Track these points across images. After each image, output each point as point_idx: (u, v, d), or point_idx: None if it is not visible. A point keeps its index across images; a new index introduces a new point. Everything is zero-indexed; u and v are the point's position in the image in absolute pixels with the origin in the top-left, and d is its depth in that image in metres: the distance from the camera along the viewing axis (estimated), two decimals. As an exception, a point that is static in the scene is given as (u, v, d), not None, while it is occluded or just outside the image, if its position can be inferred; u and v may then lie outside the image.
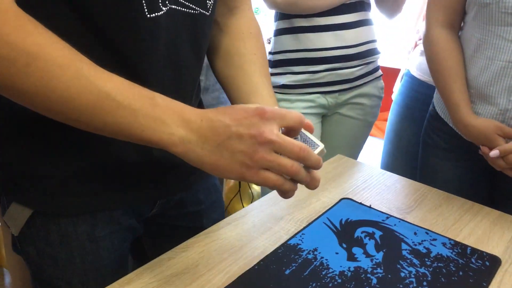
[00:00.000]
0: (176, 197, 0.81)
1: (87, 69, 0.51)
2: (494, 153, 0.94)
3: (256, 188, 2.22)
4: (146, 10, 0.59)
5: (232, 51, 0.78)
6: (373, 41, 1.31)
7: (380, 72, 1.38)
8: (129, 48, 0.61)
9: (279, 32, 1.27)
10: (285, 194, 0.59)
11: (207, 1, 0.69)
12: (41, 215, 0.68)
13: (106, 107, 0.51)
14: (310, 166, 0.56)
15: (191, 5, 0.66)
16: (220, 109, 0.55)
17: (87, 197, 0.69)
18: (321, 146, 0.58)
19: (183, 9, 0.65)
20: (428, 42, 1.08)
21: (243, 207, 0.84)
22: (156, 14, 0.61)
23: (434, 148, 1.19)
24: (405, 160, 1.48)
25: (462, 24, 1.08)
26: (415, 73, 1.42)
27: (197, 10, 0.68)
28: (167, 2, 0.62)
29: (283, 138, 0.53)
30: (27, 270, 1.39)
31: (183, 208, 0.83)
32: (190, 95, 0.74)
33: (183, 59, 0.69)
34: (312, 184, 0.60)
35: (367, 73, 1.32)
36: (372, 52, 1.30)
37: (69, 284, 0.72)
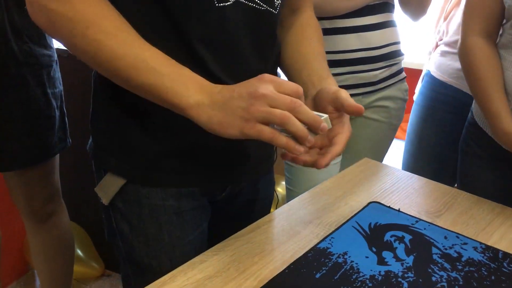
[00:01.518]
0: (243, 184, 0.88)
1: (131, 39, 0.63)
2: None
3: (280, 191, 2.22)
4: None
5: (291, 41, 0.82)
6: (397, 42, 1.30)
7: (404, 74, 1.37)
8: (194, 33, 0.68)
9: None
10: (290, 151, 0.61)
11: (275, 0, 0.73)
12: (133, 188, 0.77)
13: (141, 69, 0.62)
14: (303, 120, 0.59)
15: (258, 0, 0.71)
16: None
17: (174, 173, 0.78)
18: (325, 115, 0.62)
19: (250, 3, 0.70)
20: (465, 52, 1.06)
21: (270, 211, 0.85)
22: (224, 4, 0.67)
23: (472, 157, 1.17)
24: (426, 161, 1.47)
25: (500, 32, 1.06)
26: (435, 73, 1.41)
27: (264, 7, 0.72)
28: None
29: (276, 93, 0.59)
30: (55, 271, 1.42)
31: (242, 196, 0.90)
32: None
33: (242, 53, 0.73)
34: (319, 162, 0.66)
35: (391, 75, 1.31)
36: (396, 54, 1.29)
37: (158, 262, 0.80)
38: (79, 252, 1.85)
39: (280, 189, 2.24)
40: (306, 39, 0.83)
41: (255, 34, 0.73)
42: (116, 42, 0.62)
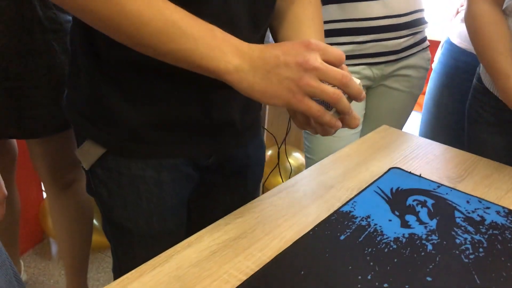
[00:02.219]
0: (230, 151, 0.87)
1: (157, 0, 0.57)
2: None
3: (292, 162, 2.23)
4: None
5: (290, 16, 0.78)
6: (421, 10, 1.28)
7: (427, 42, 1.35)
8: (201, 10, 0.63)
9: (324, 2, 1.25)
10: (326, 129, 0.61)
11: None
12: (113, 157, 0.76)
13: (171, 34, 0.57)
14: (351, 94, 0.59)
15: None
16: (270, 44, 0.60)
17: (154, 144, 0.76)
18: (358, 81, 0.61)
19: None
20: (471, 17, 1.05)
21: (283, 181, 0.86)
22: None
23: (480, 123, 1.17)
24: (443, 129, 1.46)
25: None
26: (456, 40, 1.39)
27: None
28: None
29: (327, 65, 0.57)
30: (74, 239, 1.45)
31: (232, 161, 0.89)
32: None
33: (238, 24, 0.69)
34: (352, 122, 0.62)
35: (415, 43, 1.29)
36: (420, 22, 1.27)
37: (136, 225, 0.80)
38: (95, 222, 1.88)
39: (292, 160, 2.25)
40: (308, 19, 0.78)
41: (254, 4, 0.70)
42: (142, 4, 0.56)
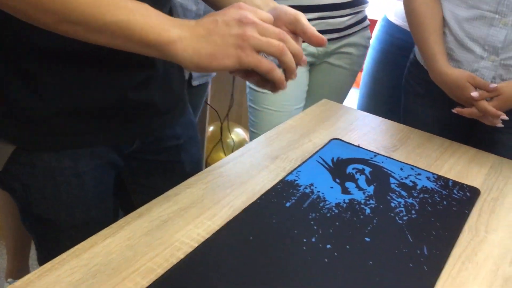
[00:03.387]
0: (155, 134, 0.84)
1: None
2: (474, 94, 1.00)
3: (234, 138, 2.26)
4: None
5: None
6: None
7: (367, 22, 1.41)
8: None
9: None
10: (277, 84, 0.60)
11: None
12: (25, 152, 0.71)
13: (104, 5, 0.53)
14: (291, 49, 0.58)
15: None
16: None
17: (69, 135, 0.72)
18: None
19: None
20: None
21: (225, 156, 0.87)
22: None
23: (414, 95, 1.24)
24: (380, 102, 1.53)
25: None
26: (392, 18, 1.46)
27: None
28: None
29: (263, 22, 0.57)
30: (16, 221, 1.39)
31: (161, 143, 0.87)
32: None
33: None
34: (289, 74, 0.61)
35: (356, 22, 1.34)
36: (361, 1, 1.32)
37: (57, 217, 0.76)
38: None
39: (234, 136, 2.28)
40: None
41: None
42: None
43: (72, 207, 0.77)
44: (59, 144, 0.72)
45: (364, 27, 1.39)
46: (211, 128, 2.26)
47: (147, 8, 0.56)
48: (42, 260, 0.85)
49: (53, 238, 0.80)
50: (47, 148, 0.72)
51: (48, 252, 0.80)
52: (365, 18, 1.39)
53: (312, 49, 1.32)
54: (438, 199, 0.81)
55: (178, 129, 0.89)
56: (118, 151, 0.80)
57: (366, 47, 1.42)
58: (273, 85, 0.62)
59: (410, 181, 0.86)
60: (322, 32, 1.28)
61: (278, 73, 0.58)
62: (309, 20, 1.25)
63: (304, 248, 0.67)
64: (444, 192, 0.83)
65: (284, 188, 0.80)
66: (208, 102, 1.93)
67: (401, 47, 1.42)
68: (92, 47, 0.58)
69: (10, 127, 0.70)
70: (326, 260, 0.65)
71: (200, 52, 0.56)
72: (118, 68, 0.69)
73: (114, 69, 0.70)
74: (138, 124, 0.79)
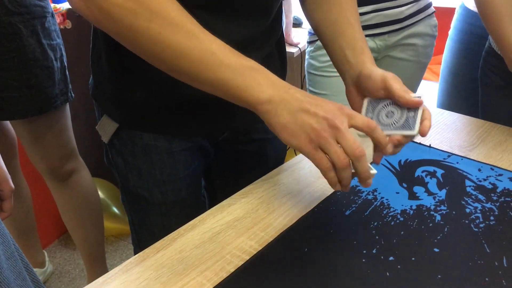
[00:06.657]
0: (245, 127, 0.89)
1: (197, 30, 0.58)
2: None
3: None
4: None
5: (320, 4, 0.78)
6: None
7: (432, 8, 1.31)
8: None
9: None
10: (332, 183, 0.61)
11: None
12: (127, 130, 0.82)
13: (210, 63, 0.58)
14: (357, 170, 0.59)
15: None
16: (307, 93, 0.61)
17: (165, 126, 0.80)
18: (374, 171, 0.61)
19: None
20: None
21: (285, 151, 0.86)
22: None
23: (492, 87, 1.13)
24: (462, 97, 1.41)
25: None
26: (470, 5, 1.34)
27: None
28: None
29: (349, 134, 0.58)
30: (85, 227, 1.47)
31: (251, 135, 0.91)
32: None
33: (241, 9, 0.70)
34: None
35: (418, 10, 1.25)
36: None
37: (151, 193, 0.85)
38: (115, 209, 1.91)
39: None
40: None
41: None
42: (182, 36, 0.57)
43: (164, 185, 0.84)
44: (155, 129, 0.81)
45: (429, 15, 1.28)
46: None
47: (250, 67, 0.60)
48: (134, 240, 0.94)
49: (145, 215, 0.88)
50: (146, 130, 0.81)
51: (140, 229, 0.91)
52: (429, 5, 1.29)
53: (371, 43, 1.24)
54: (523, 202, 0.72)
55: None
56: (210, 139, 0.87)
57: (433, 36, 1.32)
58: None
59: (490, 183, 0.77)
60: (379, 25, 1.21)
61: (331, 175, 0.60)
62: (364, 13, 1.19)
63: (364, 260, 0.61)
64: (530, 194, 0.73)
65: (344, 195, 0.75)
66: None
67: (481, 36, 1.30)
68: None
69: (117, 108, 0.81)
70: (388, 273, 0.59)
71: (278, 120, 0.59)
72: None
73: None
74: (230, 119, 0.84)
